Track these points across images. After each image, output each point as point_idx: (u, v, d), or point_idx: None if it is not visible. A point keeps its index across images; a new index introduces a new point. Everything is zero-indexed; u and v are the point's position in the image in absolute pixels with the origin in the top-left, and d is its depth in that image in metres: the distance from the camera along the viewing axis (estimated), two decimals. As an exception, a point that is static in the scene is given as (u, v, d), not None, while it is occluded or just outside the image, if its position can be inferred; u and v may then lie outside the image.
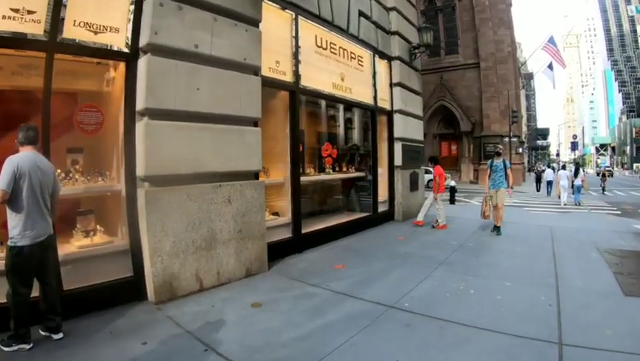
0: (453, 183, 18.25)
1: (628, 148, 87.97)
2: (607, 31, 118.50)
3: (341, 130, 12.81)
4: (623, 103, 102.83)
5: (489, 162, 10.45)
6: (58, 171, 4.81)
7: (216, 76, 5.76)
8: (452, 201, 17.81)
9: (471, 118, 34.88)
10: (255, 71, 6.47)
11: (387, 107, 11.98)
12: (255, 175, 6.62)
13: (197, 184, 5.53)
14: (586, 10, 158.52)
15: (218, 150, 5.80)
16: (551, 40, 31.11)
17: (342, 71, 9.65)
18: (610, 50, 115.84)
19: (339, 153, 11.29)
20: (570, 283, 5.92)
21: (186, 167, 5.39)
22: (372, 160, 11.50)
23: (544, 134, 77.62)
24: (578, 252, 8.00)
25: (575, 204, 19.17)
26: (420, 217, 11.25)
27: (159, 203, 5.08)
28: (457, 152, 36.85)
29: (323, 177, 10.33)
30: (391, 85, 12.15)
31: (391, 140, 12.21)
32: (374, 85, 11.21)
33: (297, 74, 7.88)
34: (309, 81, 8.31)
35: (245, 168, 6.28)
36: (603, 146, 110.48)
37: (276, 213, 8.01)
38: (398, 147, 12.18)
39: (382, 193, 11.90)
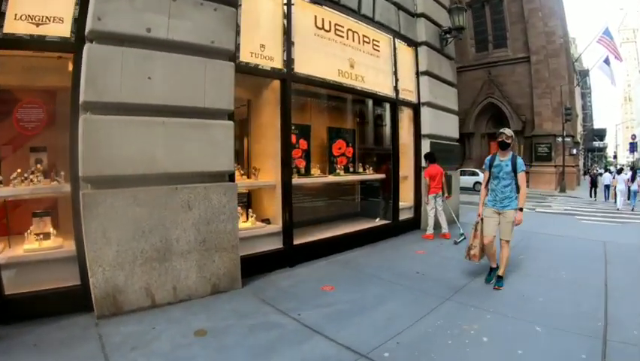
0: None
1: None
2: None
3: (360, 126, 11.59)
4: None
5: (487, 159, 6.14)
6: (19, 170, 4.92)
7: (174, 63, 5.07)
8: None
9: (521, 116, 32.49)
10: (229, 55, 5.66)
11: (413, 99, 10.56)
12: (227, 177, 5.73)
13: (148, 187, 4.89)
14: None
15: (176, 148, 5.07)
16: (607, 32, 28.52)
17: (351, 57, 8.42)
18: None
19: (355, 152, 10.16)
20: (624, 331, 4.26)
21: (135, 167, 4.77)
22: (393, 160, 10.11)
23: (600, 135, 72.72)
24: (637, 280, 6.24)
25: (632, 210, 17.96)
26: (428, 231, 9.77)
27: (100, 207, 4.54)
28: (507, 153, 34.07)
29: (330, 178, 9.17)
30: (418, 74, 10.69)
31: (418, 137, 10.77)
32: (394, 73, 9.80)
33: (289, 60, 6.90)
34: (305, 67, 7.27)
35: (210, 169, 5.44)
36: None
37: (266, 220, 7.17)
38: (426, 145, 10.67)
39: (406, 198, 10.63)
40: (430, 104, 10.76)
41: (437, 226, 9.86)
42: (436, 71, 11.05)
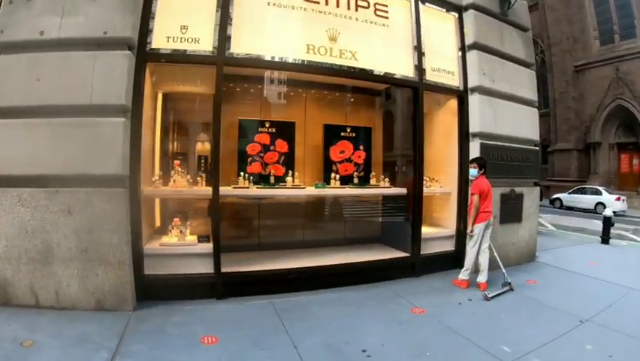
0: (609, 213, 11.76)
1: None
2: None
3: (384, 123, 8.70)
4: None
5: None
6: None
7: (62, 61, 4.98)
8: (605, 239, 11.54)
9: (657, 121, 26.40)
10: (128, 44, 5.18)
11: (454, 83, 7.58)
12: (117, 182, 5.06)
13: (32, 188, 4.85)
14: None
15: (58, 149, 4.90)
16: None
17: (331, 27, 6.40)
18: None
19: (370, 157, 8.00)
20: None
21: (19, 168, 4.85)
22: (415, 168, 7.24)
23: None
24: None
25: None
26: (462, 274, 6.69)
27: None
28: (639, 167, 28.34)
29: (311, 191, 7.18)
30: (464, 49, 7.67)
31: (463, 137, 7.62)
32: (417, 48, 7.07)
33: (222, 40, 5.66)
34: (249, 47, 5.88)
35: (94, 172, 4.98)
36: None
37: (205, 238, 6.04)
38: (475, 149, 7.43)
39: (443, 222, 8.03)
40: (482, 90, 7.51)
41: (496, 262, 6.83)
42: (493, 43, 7.76)
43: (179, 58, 5.60)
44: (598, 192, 23.78)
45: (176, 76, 6.52)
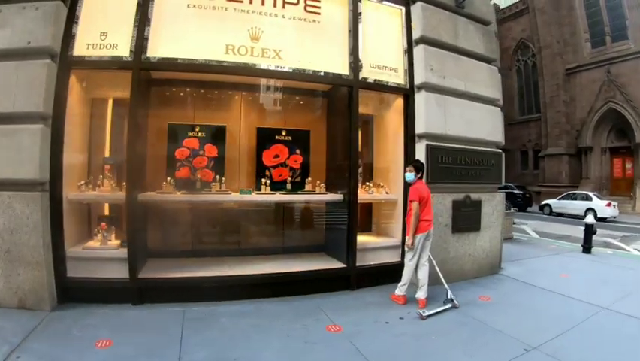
0: (590, 220, 11.05)
1: None
2: None
3: (316, 125, 7.97)
4: None
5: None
6: None
7: None
8: (587, 248, 10.83)
9: (650, 124, 25.71)
10: (50, 53, 5.28)
11: (398, 80, 7.00)
12: (38, 186, 5.15)
13: None
14: None
15: None
16: None
17: (254, 26, 6.12)
18: None
19: (308, 162, 7.52)
20: None
21: None
22: (349, 174, 6.64)
23: None
24: None
25: None
26: (399, 290, 6.05)
27: None
28: (632, 171, 27.51)
29: (235, 197, 6.73)
30: (411, 44, 7.07)
31: (408, 138, 6.99)
32: (355, 43, 6.62)
33: (139, 45, 5.62)
34: (167, 50, 5.77)
35: (15, 177, 5.08)
36: None
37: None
38: (421, 151, 6.78)
39: (389, 231, 7.54)
40: (430, 88, 6.88)
41: (445, 275, 6.18)
42: (445, 38, 7.15)
43: (98, 64, 5.63)
44: (588, 198, 23.12)
45: (105, 82, 6.40)
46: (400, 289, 5.95)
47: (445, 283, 5.94)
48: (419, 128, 6.79)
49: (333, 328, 4.98)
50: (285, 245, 7.59)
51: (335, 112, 7.31)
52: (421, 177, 5.96)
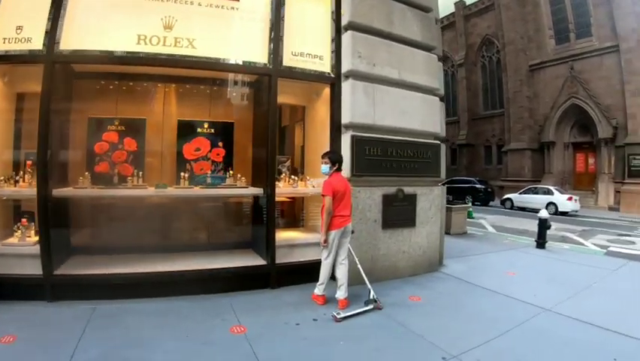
0: (544, 214, 10.82)
1: None
2: None
3: (241, 117, 7.60)
4: None
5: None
6: None
7: None
8: (541, 243, 10.64)
9: (612, 120, 25.82)
10: None
11: (323, 68, 6.66)
12: None
13: None
14: None
15: None
16: None
17: (168, 15, 5.76)
18: None
19: (232, 155, 7.19)
20: None
21: None
22: (267, 166, 6.28)
23: None
24: None
25: None
26: (318, 289, 5.67)
27: None
28: (594, 166, 27.83)
29: (150, 192, 6.32)
30: (339, 31, 6.70)
31: (334, 129, 6.61)
32: (275, 30, 6.30)
33: (53, 37, 5.37)
34: (79, 42, 5.51)
35: None
36: None
37: None
38: (346, 143, 6.42)
39: (318, 227, 6.66)
40: (357, 76, 6.51)
41: (378, 274, 5.71)
42: (378, 24, 6.77)
43: (13, 58, 5.52)
44: (549, 192, 23.18)
45: (29, 76, 6.01)
46: (318, 289, 5.57)
47: (367, 282, 5.56)
48: (345, 119, 6.42)
49: (237, 329, 4.66)
50: (212, 241, 7.25)
51: (260, 103, 6.89)
52: (338, 170, 5.55)
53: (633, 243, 13.20)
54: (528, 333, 4.81)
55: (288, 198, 7.72)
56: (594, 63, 27.20)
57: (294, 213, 7.64)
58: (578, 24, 28.74)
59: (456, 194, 25.19)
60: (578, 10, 28.66)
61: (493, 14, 35.22)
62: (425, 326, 4.90)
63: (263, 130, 6.43)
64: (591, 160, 28.10)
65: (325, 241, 5.36)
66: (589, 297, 6.38)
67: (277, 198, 6.53)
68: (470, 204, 19.90)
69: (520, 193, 24.83)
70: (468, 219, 15.32)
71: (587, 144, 28.10)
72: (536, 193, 23.73)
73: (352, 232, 5.72)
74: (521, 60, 31.45)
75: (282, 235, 6.92)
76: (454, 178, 29.73)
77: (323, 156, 5.64)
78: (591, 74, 27.16)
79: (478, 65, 38.63)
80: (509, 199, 25.24)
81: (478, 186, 27.22)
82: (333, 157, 5.58)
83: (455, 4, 39.65)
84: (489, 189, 27.46)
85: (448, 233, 11.97)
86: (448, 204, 13.26)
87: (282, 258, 6.32)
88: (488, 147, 37.28)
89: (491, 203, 26.91)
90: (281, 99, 6.57)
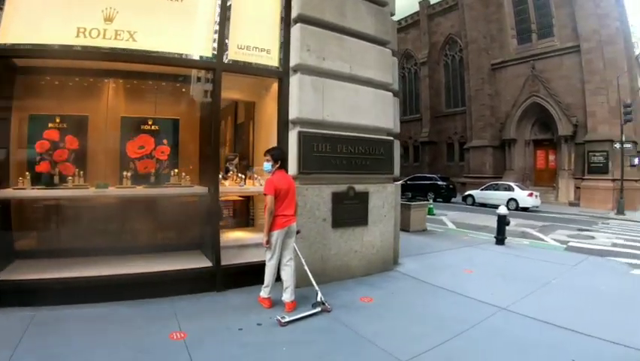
0: (503, 211, 10.82)
1: None
2: None
3: (188, 113, 7.31)
4: None
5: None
6: None
7: None
8: (500, 239, 10.65)
9: (572, 118, 26.43)
10: None
11: (271, 62, 6.42)
12: None
13: None
14: None
15: None
16: None
17: (109, 6, 5.39)
18: None
19: (177, 153, 6.91)
20: None
21: None
22: (211, 164, 6.11)
23: None
24: None
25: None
26: (263, 292, 5.43)
27: None
28: (555, 163, 28.45)
29: (90, 192, 5.95)
30: (289, 23, 6.47)
31: (282, 126, 6.41)
32: (221, 23, 5.99)
33: None
34: (15, 36, 5.10)
35: None
36: None
37: None
38: (293, 139, 6.21)
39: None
40: (306, 70, 6.29)
41: (329, 275, 5.53)
42: (329, 17, 6.56)
43: None
44: (510, 188, 23.53)
45: None
46: (264, 291, 5.34)
47: (314, 283, 5.37)
48: (292, 114, 6.20)
49: (177, 335, 4.39)
50: (160, 243, 6.94)
51: (206, 98, 6.60)
52: (281, 167, 5.33)
53: (593, 238, 13.47)
54: (483, 334, 4.69)
55: (241, 197, 7.47)
56: (555, 63, 27.85)
57: (246, 213, 7.38)
58: (540, 24, 29.39)
59: (418, 191, 25.52)
60: (540, 11, 29.27)
61: (457, 14, 35.71)
62: (375, 329, 4.73)
63: (208, 127, 6.15)
64: (552, 157, 28.71)
65: (267, 242, 5.13)
66: (547, 294, 6.35)
67: (228, 197, 6.30)
68: (431, 201, 20.06)
69: (482, 190, 25.11)
70: (429, 216, 15.34)
71: (548, 141, 28.73)
72: (497, 189, 24.04)
73: (298, 231, 5.52)
74: (483, 59, 31.96)
75: (232, 235, 6.71)
76: (417, 175, 29.99)
77: (265, 154, 5.41)
78: (552, 73, 27.77)
79: (441, 63, 39.22)
80: (471, 196, 25.49)
81: (440, 182, 27.42)
82: (276, 154, 5.35)
83: (420, 3, 40.12)
84: (451, 186, 27.70)
85: (407, 230, 11.94)
86: (407, 201, 13.24)
87: (232, 259, 6.09)
88: (450, 145, 37.88)
89: (453, 200, 27.15)
90: (231, 95, 6.37)
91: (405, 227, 12.02)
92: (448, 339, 4.47)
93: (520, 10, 30.43)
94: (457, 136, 36.91)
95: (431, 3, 39.37)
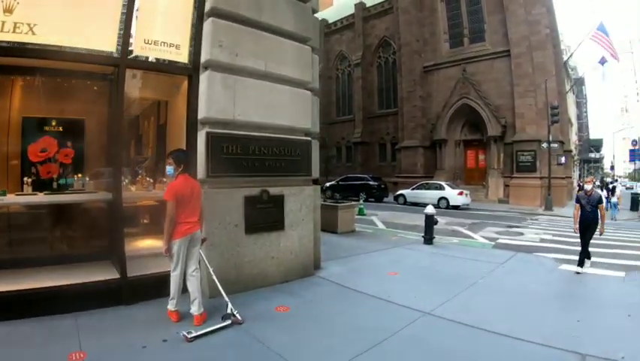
0: (430, 210, 10.84)
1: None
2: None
3: (96, 113, 6.77)
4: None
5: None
6: None
7: None
8: (428, 239, 10.68)
9: (501, 119, 27.48)
10: None
11: (180, 59, 6.00)
12: None
13: None
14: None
15: None
16: (601, 28, 23.84)
17: None
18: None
19: (83, 155, 6.56)
20: None
21: None
22: (114, 168, 5.63)
23: (597, 145, 69.82)
24: None
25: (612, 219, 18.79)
26: (170, 304, 5.03)
27: None
28: (485, 162, 29.47)
29: None
30: (201, 17, 6.05)
31: (190, 126, 6.02)
32: (127, 16, 5.45)
33: None
34: None
35: None
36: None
37: None
38: (202, 140, 5.82)
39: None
40: (217, 67, 5.93)
41: (240, 284, 5.16)
42: (245, 11, 6.21)
43: None
44: (441, 188, 24.02)
45: None
46: (171, 304, 4.95)
47: (223, 293, 5.00)
48: (200, 114, 5.84)
49: (76, 356, 3.96)
50: (67, 254, 6.33)
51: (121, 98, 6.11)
52: (184, 171, 4.96)
53: (522, 234, 13.88)
54: (402, 344, 4.49)
55: (157, 201, 7.00)
56: (486, 66, 28.90)
57: (156, 220, 6.93)
58: (473, 29, 30.50)
59: (350, 191, 25.74)
60: (473, 16, 30.36)
61: (392, 17, 36.35)
62: (287, 342, 4.46)
63: (113, 127, 5.68)
64: (481, 156, 29.75)
65: (168, 251, 4.75)
66: (474, 296, 6.29)
67: (143, 203, 5.87)
68: (362, 201, 20.02)
69: (413, 189, 25.51)
70: (359, 217, 15.30)
71: (478, 141, 29.73)
72: (428, 189, 24.50)
73: (204, 239, 5.18)
74: (416, 62, 32.64)
75: (144, 244, 6.25)
76: (349, 176, 30.20)
77: (167, 156, 5.04)
78: (483, 76, 28.83)
79: (374, 65, 39.91)
80: (402, 195, 25.84)
81: (371, 183, 27.59)
82: (179, 157, 4.97)
83: (355, 5, 40.53)
84: (382, 186, 27.96)
85: (335, 232, 11.77)
86: (336, 202, 13.08)
87: (143, 269, 5.64)
88: (383, 145, 38.58)
89: (385, 199, 27.43)
90: (148, 94, 5.95)
91: (332, 229, 11.87)
92: (364, 351, 4.24)
93: (454, 15, 31.38)
94: (389, 137, 37.59)
95: (367, 5, 39.88)
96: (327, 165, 38.01)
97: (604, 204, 8.45)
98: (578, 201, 8.14)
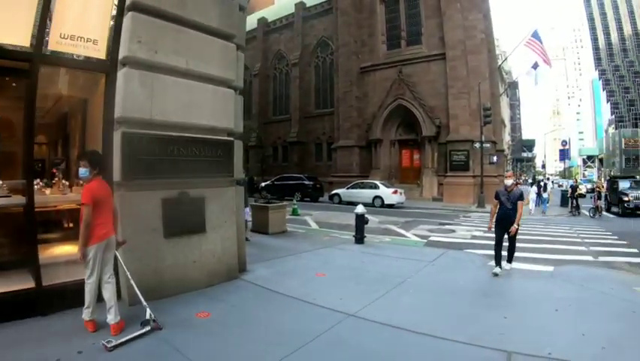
0: (360, 210, 10.98)
1: (617, 160, 79.90)
2: (594, 40, 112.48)
3: (12, 111, 6.24)
4: (612, 113, 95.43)
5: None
6: None
7: None
8: (359, 238, 10.80)
9: (435, 120, 28.42)
10: None
11: (98, 55, 5.71)
12: None
13: None
14: (572, 22, 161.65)
15: None
16: (535, 35, 25.27)
17: None
18: (598, 60, 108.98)
19: None
20: None
21: None
22: (24, 170, 5.40)
23: (529, 145, 73.84)
24: None
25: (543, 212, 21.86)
26: (85, 314, 4.73)
27: None
28: (420, 162, 30.35)
29: None
30: (122, 12, 5.79)
31: (107, 125, 5.75)
32: (43, 10, 5.15)
33: None
34: None
35: None
36: (591, 158, 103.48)
37: None
38: (118, 141, 5.58)
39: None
40: (135, 63, 5.66)
41: (161, 289, 4.96)
42: (167, 6, 5.97)
43: None
44: (375, 187, 24.38)
45: None
46: (85, 313, 4.68)
47: (142, 299, 4.80)
48: (116, 112, 5.58)
49: None
50: None
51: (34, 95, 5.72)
52: (99, 173, 4.74)
53: (454, 231, 14.27)
54: (326, 347, 4.45)
55: (77, 205, 6.62)
56: (422, 68, 29.87)
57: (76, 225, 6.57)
58: (410, 32, 31.44)
59: (285, 191, 25.64)
60: (410, 20, 31.29)
61: (331, 18, 36.75)
62: (205, 350, 4.33)
63: (25, 126, 5.31)
64: (416, 156, 30.68)
65: (83, 257, 4.51)
66: (401, 295, 6.32)
67: (59, 207, 5.55)
68: (295, 201, 19.97)
69: (348, 188, 25.79)
70: (293, 217, 15.26)
71: (413, 141, 30.65)
72: (363, 188, 24.86)
73: (123, 242, 5.03)
74: (353, 62, 33.13)
75: (60, 250, 5.90)
76: (284, 175, 30.22)
77: (81, 158, 4.77)
78: (419, 78, 29.74)
79: (312, 65, 40.26)
80: (337, 195, 26.06)
81: (306, 182, 27.74)
82: (94, 158, 4.74)
83: (296, 5, 40.60)
84: (318, 186, 28.15)
85: (265, 233, 11.66)
86: (266, 202, 12.96)
87: (62, 276, 5.32)
88: (319, 145, 39.06)
89: (321, 199, 27.59)
90: (63, 90, 5.62)
91: (264, 230, 11.77)
92: (285, 356, 4.16)
93: (392, 17, 32.18)
94: (325, 136, 38.07)
95: (307, 5, 40.00)
96: (263, 165, 37.98)
97: (525, 200, 8.51)
98: (497, 197, 7.85)
